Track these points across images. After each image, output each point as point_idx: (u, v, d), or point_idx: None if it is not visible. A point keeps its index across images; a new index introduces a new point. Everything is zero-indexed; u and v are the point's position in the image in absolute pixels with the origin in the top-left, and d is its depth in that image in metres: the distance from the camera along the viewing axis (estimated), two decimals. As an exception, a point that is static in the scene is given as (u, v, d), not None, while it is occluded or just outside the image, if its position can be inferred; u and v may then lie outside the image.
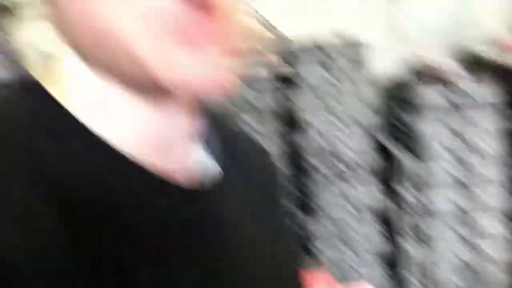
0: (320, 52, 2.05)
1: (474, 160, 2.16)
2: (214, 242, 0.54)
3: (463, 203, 2.17)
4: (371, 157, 2.12)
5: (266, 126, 2.02)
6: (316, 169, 2.05)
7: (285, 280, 0.66)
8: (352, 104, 2.08)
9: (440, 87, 2.16)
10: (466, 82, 2.16)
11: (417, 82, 2.28)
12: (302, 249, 2.13)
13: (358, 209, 2.09)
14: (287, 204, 0.73)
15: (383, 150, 2.22)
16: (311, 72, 2.04)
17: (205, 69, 0.47)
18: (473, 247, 2.16)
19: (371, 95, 2.14)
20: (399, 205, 2.14)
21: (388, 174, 2.17)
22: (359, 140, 2.09)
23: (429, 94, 2.15)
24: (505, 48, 2.36)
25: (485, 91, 2.18)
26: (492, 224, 2.20)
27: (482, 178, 2.17)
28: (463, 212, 2.18)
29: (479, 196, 2.18)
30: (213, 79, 0.48)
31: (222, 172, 0.59)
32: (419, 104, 2.15)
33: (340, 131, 2.07)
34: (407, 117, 2.21)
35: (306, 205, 2.10)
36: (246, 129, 2.00)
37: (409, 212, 2.14)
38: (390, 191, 2.15)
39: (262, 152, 0.74)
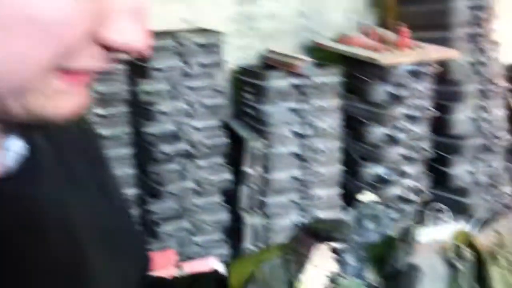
0: (171, 39, 2.12)
1: (315, 137, 2.36)
2: (29, 222, 0.53)
3: (302, 176, 2.38)
4: (219, 139, 2.26)
5: (114, 112, 2.10)
6: (164, 152, 2.15)
7: (123, 254, 0.68)
8: (203, 89, 2.19)
9: (286, 73, 2.31)
10: (309, 68, 2.31)
11: (264, 68, 2.44)
12: (149, 231, 2.27)
13: (204, 188, 2.24)
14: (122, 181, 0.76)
15: (231, 132, 2.38)
16: (161, 59, 2.10)
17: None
18: (312, 217, 2.38)
19: (221, 80, 2.26)
20: (245, 183, 2.30)
21: (234, 154, 2.33)
22: (208, 123, 2.22)
23: (276, 79, 2.30)
24: (349, 41, 2.58)
25: (326, 76, 2.35)
26: (328, 194, 2.44)
27: (320, 154, 2.38)
28: (303, 184, 2.39)
29: (317, 169, 2.39)
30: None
31: (32, 153, 0.56)
32: (266, 88, 2.29)
33: (189, 115, 2.18)
34: (255, 101, 2.37)
35: (154, 189, 2.21)
36: (95, 115, 2.08)
37: (254, 188, 2.32)
38: (236, 170, 2.32)
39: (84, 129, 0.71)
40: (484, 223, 2.76)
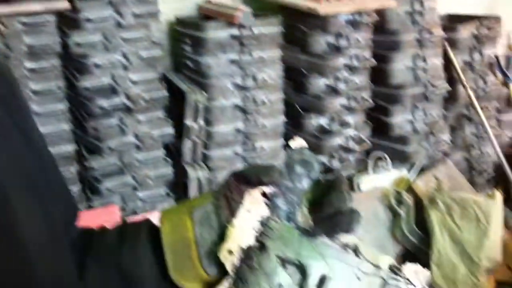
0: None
1: (257, 89, 2.34)
2: None
3: (245, 128, 2.37)
4: (158, 92, 2.21)
5: (46, 65, 2.02)
6: (101, 107, 2.10)
7: (48, 200, 0.69)
8: (138, 41, 2.14)
9: (224, 24, 2.27)
10: (248, 18, 2.28)
11: (202, 19, 2.39)
12: (91, 188, 2.23)
13: (146, 143, 2.20)
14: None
15: (170, 85, 2.33)
16: (93, 9, 2.03)
17: None
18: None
19: (157, 32, 2.20)
20: (188, 136, 2.27)
21: (175, 107, 2.30)
22: (146, 75, 2.17)
23: (215, 30, 2.26)
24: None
25: (266, 26, 2.33)
26: (271, 145, 2.44)
27: (263, 106, 2.37)
28: (246, 137, 2.39)
29: (260, 121, 2.39)
30: None
31: None
32: (205, 39, 2.25)
33: (125, 68, 2.12)
34: (193, 53, 2.32)
35: (93, 144, 2.16)
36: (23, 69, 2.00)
37: (197, 141, 2.30)
38: (178, 124, 2.28)
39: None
40: (423, 170, 2.84)
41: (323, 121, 2.56)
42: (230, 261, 0.73)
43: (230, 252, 0.73)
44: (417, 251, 2.48)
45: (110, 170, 2.19)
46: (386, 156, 2.67)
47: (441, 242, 2.33)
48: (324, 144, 2.55)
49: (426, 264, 2.36)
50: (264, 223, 0.75)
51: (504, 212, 2.38)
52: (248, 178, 0.75)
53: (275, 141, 2.44)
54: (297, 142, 0.80)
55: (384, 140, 2.72)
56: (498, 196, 2.29)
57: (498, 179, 2.89)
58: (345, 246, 0.75)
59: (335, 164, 2.59)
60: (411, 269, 0.77)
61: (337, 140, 2.57)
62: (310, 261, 0.73)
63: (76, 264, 0.76)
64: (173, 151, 2.38)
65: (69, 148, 2.11)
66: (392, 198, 2.53)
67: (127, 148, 2.18)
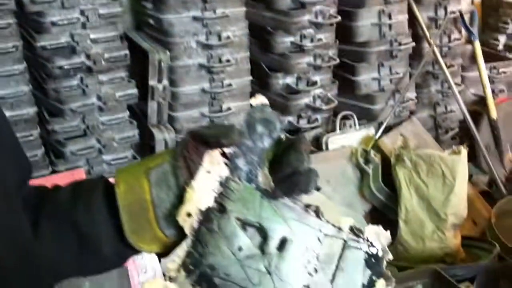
0: None
1: (222, 48, 2.29)
2: None
3: (210, 88, 2.32)
4: (120, 51, 2.14)
5: (1, 24, 1.93)
6: (61, 67, 2.02)
7: None
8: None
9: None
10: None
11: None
12: (55, 152, 2.16)
13: (109, 104, 2.13)
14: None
15: (132, 43, 2.26)
16: None
17: None
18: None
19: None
20: (152, 97, 2.22)
21: (139, 67, 2.23)
22: (106, 34, 2.09)
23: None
24: None
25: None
26: (238, 105, 2.40)
27: (229, 65, 2.32)
28: (212, 97, 2.34)
29: (226, 81, 2.34)
30: None
31: None
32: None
33: (84, 27, 2.04)
34: (155, 10, 2.25)
35: (55, 107, 2.09)
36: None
37: (162, 102, 2.25)
38: (142, 84, 2.22)
39: None
40: (390, 128, 2.85)
41: (289, 80, 2.53)
42: (189, 223, 0.71)
43: (189, 214, 0.71)
44: (385, 208, 2.50)
45: (74, 133, 2.12)
46: (353, 115, 2.66)
47: (408, 199, 2.35)
48: (291, 103, 2.52)
49: (393, 221, 2.39)
50: (224, 184, 0.73)
51: (469, 168, 2.41)
52: (207, 138, 0.72)
53: (242, 101, 2.41)
54: (259, 100, 0.78)
55: (350, 99, 2.71)
56: (463, 152, 2.31)
57: (463, 136, 2.92)
58: (306, 208, 0.74)
59: (303, 123, 2.57)
60: (372, 231, 0.75)
61: (305, 100, 2.55)
62: (271, 223, 0.72)
63: (30, 222, 0.74)
64: (137, 112, 2.33)
65: (30, 111, 2.04)
66: (359, 157, 2.53)
67: (90, 110, 2.12)
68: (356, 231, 0.75)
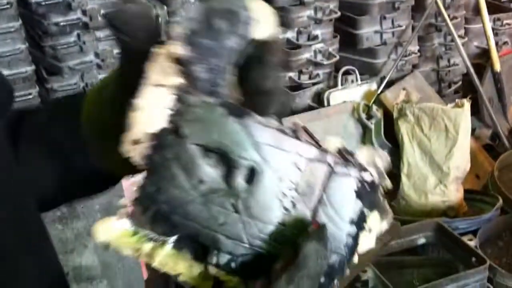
0: None
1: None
2: None
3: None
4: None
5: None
6: (57, 24, 1.98)
7: None
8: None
9: None
10: None
11: None
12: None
13: (107, 61, 2.10)
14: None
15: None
16: None
17: None
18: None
19: None
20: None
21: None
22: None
23: None
24: None
25: None
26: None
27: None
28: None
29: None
30: None
31: None
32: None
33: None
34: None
35: (52, 65, 2.06)
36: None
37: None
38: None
39: None
40: (392, 82, 2.82)
41: (290, 35, 2.49)
42: (138, 152, 0.58)
43: (136, 142, 0.58)
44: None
45: (73, 91, 2.09)
46: (355, 69, 2.63)
47: (411, 153, 2.34)
48: (292, 59, 2.48)
49: (395, 176, 2.38)
50: (179, 99, 0.58)
51: (472, 122, 2.39)
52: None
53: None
54: None
55: (352, 53, 2.67)
56: (467, 105, 2.29)
57: (466, 90, 2.89)
58: (282, 128, 0.59)
59: (304, 79, 2.54)
60: (366, 152, 0.61)
61: (305, 55, 2.51)
62: (237, 149, 0.58)
63: (12, 148, 0.71)
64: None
65: (28, 69, 2.01)
66: (361, 112, 2.51)
67: (88, 68, 2.09)
68: (345, 154, 0.60)
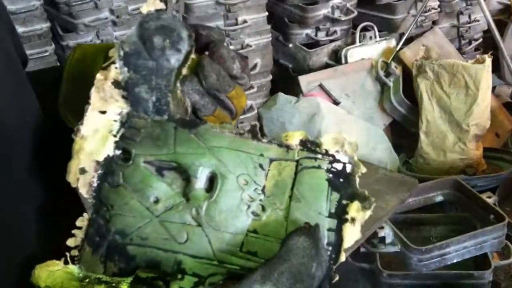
0: None
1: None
2: None
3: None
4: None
5: None
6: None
7: None
8: None
9: None
10: None
11: None
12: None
13: (123, 18, 2.07)
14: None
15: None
16: None
17: None
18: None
19: None
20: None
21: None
22: None
23: None
24: None
25: None
26: (252, 18, 2.34)
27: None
28: (227, 9, 2.28)
29: None
30: None
31: None
32: None
33: None
34: None
35: (68, 22, 2.03)
36: None
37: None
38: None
39: None
40: (411, 39, 2.77)
41: (306, -11, 2.45)
42: (84, 182, 0.55)
43: (83, 170, 0.56)
44: (405, 121, 2.47)
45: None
46: (374, 26, 2.58)
47: (430, 111, 2.31)
48: (309, 15, 2.44)
49: (414, 134, 2.36)
50: (124, 123, 0.56)
51: (492, 79, 2.34)
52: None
53: (259, 13, 2.33)
54: (151, 4, 0.58)
55: (371, 9, 2.62)
56: (488, 61, 2.24)
57: (487, 47, 2.84)
58: (239, 131, 0.57)
59: (321, 36, 2.50)
60: (332, 140, 0.57)
61: (323, 11, 2.46)
62: (191, 159, 0.55)
63: None
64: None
65: (43, 26, 1.99)
66: (380, 69, 2.47)
67: (103, 25, 2.07)
68: (310, 145, 0.57)
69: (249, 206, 0.55)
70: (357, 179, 0.56)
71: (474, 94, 2.22)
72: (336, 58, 2.52)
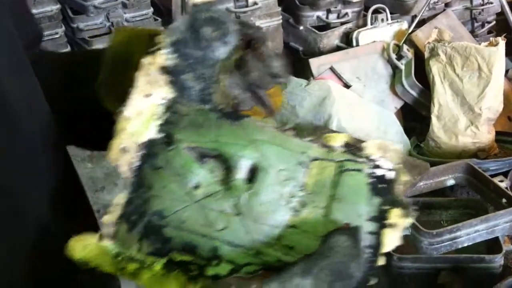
0: None
1: None
2: None
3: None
4: None
5: None
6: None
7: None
8: None
9: None
10: None
11: None
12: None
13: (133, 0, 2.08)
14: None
15: None
16: None
17: None
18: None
19: None
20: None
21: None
22: None
23: None
24: None
25: None
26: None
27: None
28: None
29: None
30: None
31: None
32: None
33: None
34: None
35: (77, 3, 2.03)
36: None
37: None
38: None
39: None
40: (424, 21, 2.74)
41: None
42: (124, 162, 0.56)
43: (124, 150, 0.56)
44: (417, 104, 2.45)
45: (98, 30, 2.08)
46: (385, 8, 2.55)
47: (442, 94, 2.29)
48: (321, -2, 2.42)
49: (425, 118, 2.34)
50: (169, 108, 0.58)
51: (506, 63, 2.32)
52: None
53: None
54: None
55: (383, -9, 2.59)
56: (501, 43, 2.21)
57: (500, 30, 2.80)
58: (282, 128, 0.58)
59: (332, 18, 2.48)
60: (376, 146, 0.58)
61: (334, -8, 2.44)
62: (234, 149, 0.55)
63: None
64: (162, 9, 2.26)
65: (53, 8, 1.99)
66: (391, 52, 2.45)
67: (113, 7, 2.06)
68: (353, 149, 0.57)
69: (288, 202, 0.54)
70: (400, 187, 0.56)
71: (487, 77, 2.19)
72: (347, 41, 2.50)
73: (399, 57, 2.44)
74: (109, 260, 0.54)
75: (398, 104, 2.47)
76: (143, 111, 0.57)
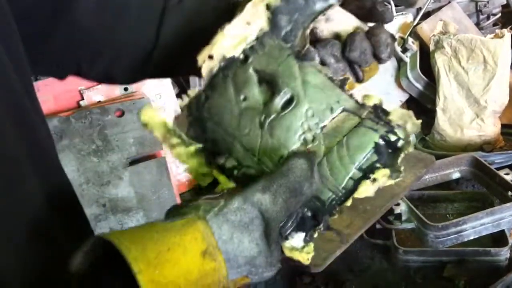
0: None
1: None
2: None
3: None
4: None
5: None
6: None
7: None
8: None
9: None
10: None
11: None
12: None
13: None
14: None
15: None
16: None
17: None
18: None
19: None
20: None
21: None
22: None
23: None
24: None
25: None
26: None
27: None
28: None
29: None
30: None
31: None
32: None
33: None
34: None
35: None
36: None
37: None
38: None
39: None
40: (429, 14, 2.72)
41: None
42: (207, 65, 0.69)
43: (211, 57, 0.69)
44: (422, 97, 2.44)
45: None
46: (390, 0, 2.54)
47: (447, 86, 2.29)
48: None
49: (431, 110, 2.34)
50: (259, 39, 0.69)
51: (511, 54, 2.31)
52: None
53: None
54: None
55: (388, -17, 2.58)
56: (507, 35, 2.21)
57: (506, 23, 2.79)
58: (332, 77, 0.68)
59: None
60: (400, 114, 0.65)
61: (339, -14, 2.43)
62: (285, 79, 0.67)
63: None
64: None
65: None
66: (396, 45, 2.44)
67: None
68: (379, 111, 0.65)
69: (303, 133, 0.66)
70: (402, 155, 0.64)
71: (493, 70, 2.19)
72: (352, 34, 2.49)
73: (404, 50, 2.42)
74: (163, 131, 0.66)
75: (403, 97, 2.47)
76: (238, 34, 0.69)
